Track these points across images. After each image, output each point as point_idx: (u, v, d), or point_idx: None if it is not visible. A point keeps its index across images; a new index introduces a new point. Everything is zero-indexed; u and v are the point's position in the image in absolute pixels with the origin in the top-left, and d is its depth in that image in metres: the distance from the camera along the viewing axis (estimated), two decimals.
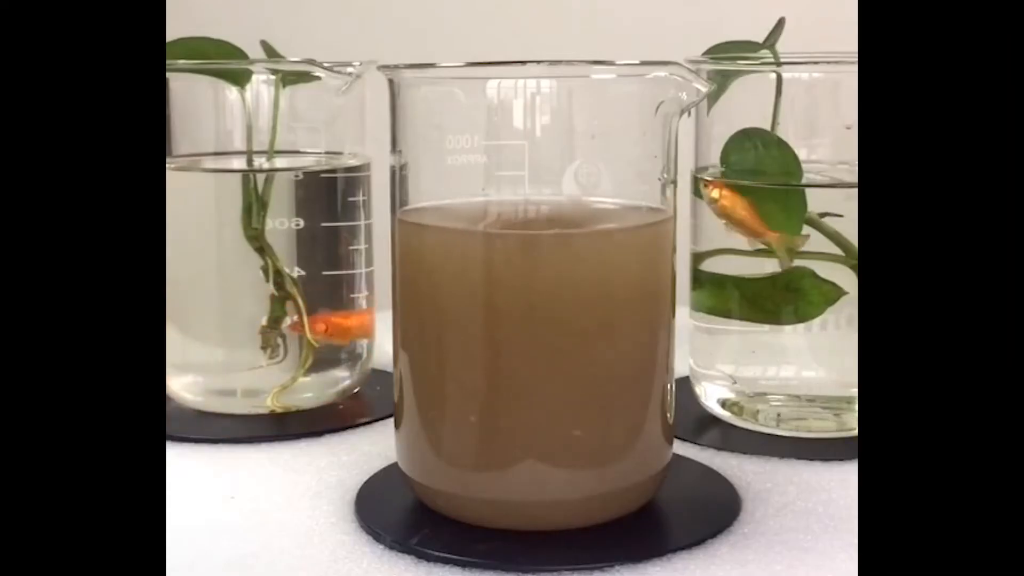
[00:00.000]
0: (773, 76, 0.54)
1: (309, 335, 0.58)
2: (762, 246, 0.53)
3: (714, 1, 0.95)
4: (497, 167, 0.43)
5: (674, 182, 0.45)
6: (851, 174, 0.54)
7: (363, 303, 0.60)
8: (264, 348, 0.58)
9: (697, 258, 0.57)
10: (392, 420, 0.47)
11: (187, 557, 0.43)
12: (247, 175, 0.58)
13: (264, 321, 0.58)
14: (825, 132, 0.55)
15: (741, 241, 0.54)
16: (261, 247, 0.57)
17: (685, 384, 0.58)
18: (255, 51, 0.59)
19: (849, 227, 0.52)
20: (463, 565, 0.41)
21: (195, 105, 0.60)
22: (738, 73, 0.55)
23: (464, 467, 0.43)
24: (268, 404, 0.59)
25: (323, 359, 0.59)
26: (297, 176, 0.59)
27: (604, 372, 0.42)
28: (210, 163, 0.60)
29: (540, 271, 0.42)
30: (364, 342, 0.61)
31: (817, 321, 0.54)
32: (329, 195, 0.59)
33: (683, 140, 0.46)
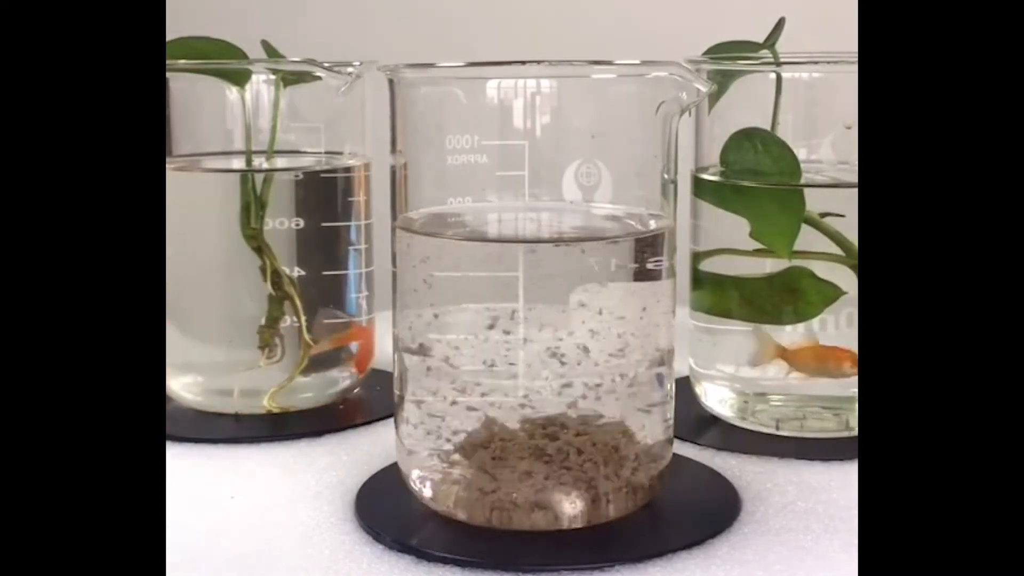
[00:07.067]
0: (773, 76, 0.54)
1: (307, 336, 0.58)
2: (762, 246, 0.53)
3: (714, 1, 0.95)
4: (497, 167, 0.43)
5: (674, 182, 0.45)
6: (851, 174, 0.54)
7: (363, 303, 0.61)
8: (262, 348, 0.58)
9: (697, 258, 0.57)
10: (392, 420, 0.47)
11: (187, 557, 0.43)
12: (246, 175, 0.58)
13: (262, 321, 0.58)
14: (825, 132, 0.55)
15: (741, 241, 0.54)
16: (259, 247, 0.57)
17: (685, 384, 0.58)
18: (255, 51, 0.59)
19: (850, 227, 0.52)
20: (463, 565, 0.41)
21: (195, 105, 0.60)
22: (738, 73, 0.55)
23: (463, 467, 0.43)
24: (265, 404, 0.59)
25: (322, 359, 0.59)
26: (297, 176, 0.59)
27: (603, 371, 0.42)
28: (210, 163, 0.60)
29: (538, 276, 0.42)
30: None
31: (816, 321, 0.54)
32: (329, 195, 0.59)
33: (683, 140, 0.46)
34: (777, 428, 0.55)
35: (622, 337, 0.43)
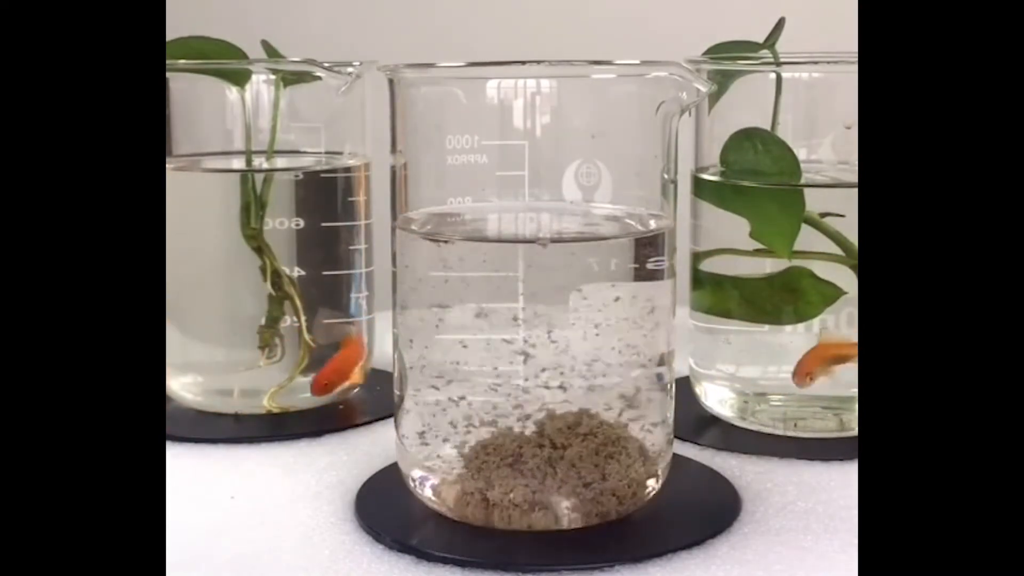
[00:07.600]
0: (773, 76, 0.54)
1: (307, 337, 0.58)
2: (762, 246, 0.53)
3: (714, 1, 0.95)
4: (497, 167, 0.43)
5: (674, 182, 0.45)
6: (851, 174, 0.54)
7: (363, 303, 0.61)
8: (262, 348, 0.58)
9: (697, 258, 0.57)
10: (392, 420, 0.47)
11: (187, 557, 0.43)
12: (246, 175, 0.58)
13: (262, 321, 0.58)
14: (825, 132, 0.55)
15: (741, 241, 0.54)
16: (259, 247, 0.57)
17: (685, 384, 0.58)
18: (255, 51, 0.59)
19: (850, 227, 0.52)
20: (463, 565, 0.41)
21: (195, 105, 0.60)
22: (738, 73, 0.55)
23: (463, 467, 0.43)
24: (265, 404, 0.59)
25: (323, 359, 0.59)
26: (297, 176, 0.59)
27: (602, 371, 0.42)
28: (210, 163, 0.60)
29: (538, 276, 0.42)
30: (363, 341, 0.61)
31: (816, 321, 0.54)
32: (329, 195, 0.59)
33: (683, 140, 0.46)
34: (777, 428, 0.55)
35: (622, 337, 0.43)
